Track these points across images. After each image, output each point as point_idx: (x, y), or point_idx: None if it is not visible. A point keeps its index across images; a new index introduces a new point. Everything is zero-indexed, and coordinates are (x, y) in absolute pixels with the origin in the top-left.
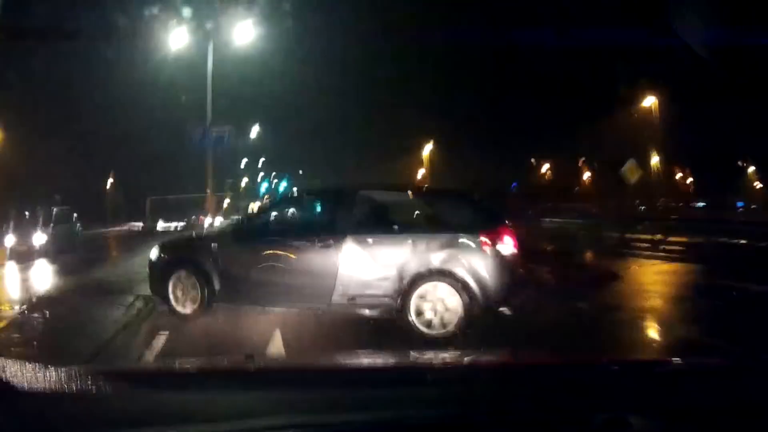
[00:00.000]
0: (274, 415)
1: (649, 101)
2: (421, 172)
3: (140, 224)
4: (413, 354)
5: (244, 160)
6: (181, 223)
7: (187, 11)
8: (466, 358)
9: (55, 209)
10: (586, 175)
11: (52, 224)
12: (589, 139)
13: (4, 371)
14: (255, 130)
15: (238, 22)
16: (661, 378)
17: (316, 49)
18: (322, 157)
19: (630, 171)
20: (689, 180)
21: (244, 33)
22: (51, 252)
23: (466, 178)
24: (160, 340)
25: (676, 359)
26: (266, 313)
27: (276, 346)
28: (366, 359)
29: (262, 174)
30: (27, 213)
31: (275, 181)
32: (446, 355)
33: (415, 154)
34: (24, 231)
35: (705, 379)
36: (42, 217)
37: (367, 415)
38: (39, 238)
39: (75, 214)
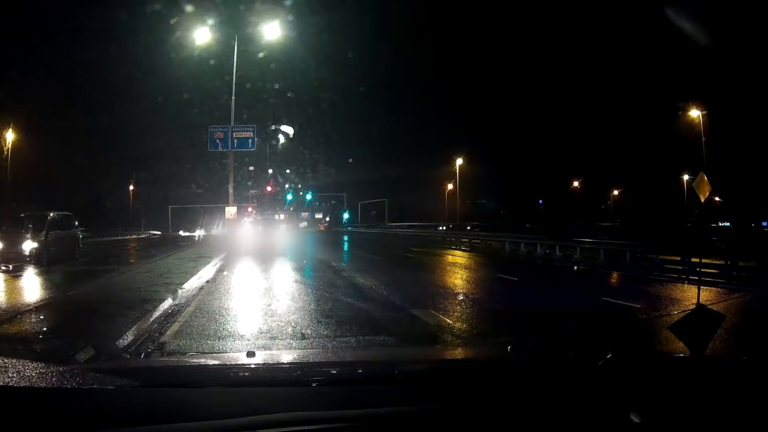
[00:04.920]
0: (273, 412)
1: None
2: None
3: (158, 232)
4: (411, 350)
5: (270, 171)
6: (202, 232)
7: (210, 20)
8: (459, 355)
9: (51, 214)
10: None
11: (45, 230)
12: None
13: (5, 371)
14: (282, 139)
15: (267, 34)
16: (662, 374)
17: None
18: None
19: (700, 185)
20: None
21: (271, 42)
22: (44, 260)
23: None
24: None
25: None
26: None
27: None
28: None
29: (287, 185)
30: (22, 216)
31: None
32: (442, 351)
33: (446, 167)
34: (15, 236)
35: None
36: (33, 222)
37: (365, 411)
38: (29, 245)
39: (76, 221)
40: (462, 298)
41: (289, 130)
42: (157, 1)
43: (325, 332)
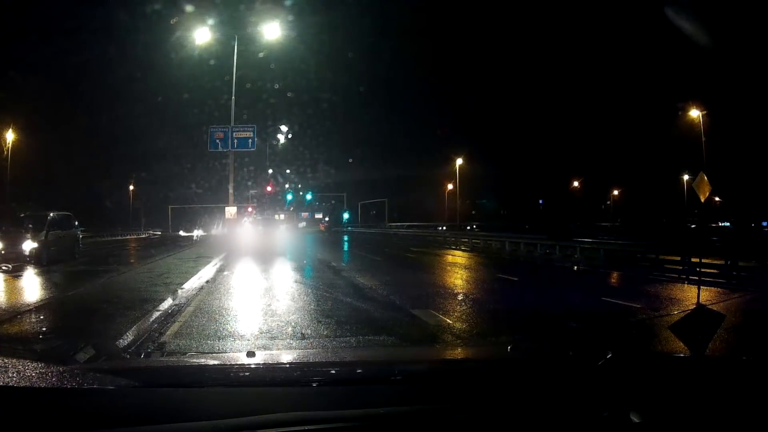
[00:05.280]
0: (273, 412)
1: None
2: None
3: (159, 232)
4: (410, 350)
5: (270, 171)
6: (200, 232)
7: (210, 20)
8: (459, 355)
9: (51, 214)
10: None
11: (45, 230)
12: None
13: (5, 371)
14: (282, 139)
15: (268, 35)
16: (662, 374)
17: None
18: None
19: (700, 185)
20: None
21: (271, 42)
22: (44, 260)
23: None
24: None
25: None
26: None
27: None
28: (364, 355)
29: (287, 185)
30: (22, 216)
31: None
32: (442, 351)
33: (446, 167)
34: (15, 236)
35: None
36: (33, 222)
37: (365, 411)
38: (29, 245)
39: (76, 221)
40: (462, 298)
41: (289, 130)
42: (157, 1)
43: (325, 332)
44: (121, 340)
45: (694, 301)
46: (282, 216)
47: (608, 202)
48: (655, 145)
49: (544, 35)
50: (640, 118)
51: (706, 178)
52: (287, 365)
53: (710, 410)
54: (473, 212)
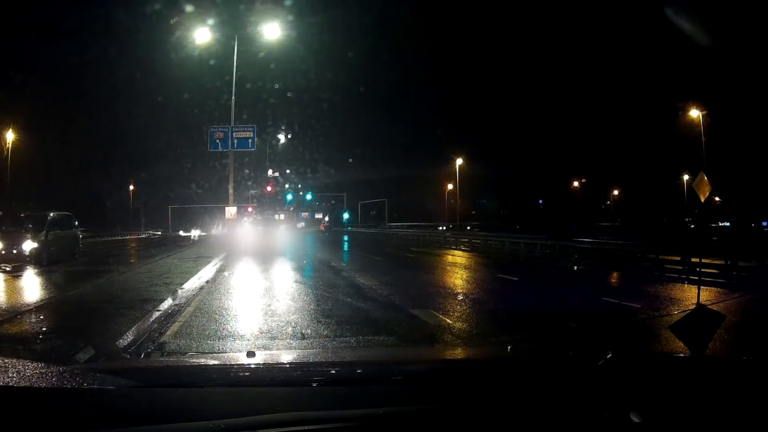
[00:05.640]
0: (273, 412)
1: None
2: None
3: (159, 232)
4: (411, 350)
5: (270, 171)
6: (199, 232)
7: (210, 20)
8: (459, 355)
9: (51, 214)
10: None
11: (45, 230)
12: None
13: (5, 371)
14: (282, 139)
15: (269, 35)
16: (662, 374)
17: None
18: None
19: (700, 185)
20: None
21: (271, 42)
22: (44, 260)
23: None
24: None
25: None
26: None
27: None
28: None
29: (287, 185)
30: (22, 216)
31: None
32: (442, 351)
33: (446, 167)
34: (15, 236)
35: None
36: (33, 222)
37: (365, 411)
38: (29, 245)
39: (76, 221)
40: (462, 298)
41: (289, 130)
42: (157, 1)
43: (325, 332)
44: (121, 340)
45: (694, 301)
46: (282, 216)
47: (608, 202)
48: (655, 145)
49: (544, 35)
50: (640, 118)
51: (706, 178)
52: (287, 365)
53: (710, 410)
54: (473, 212)
